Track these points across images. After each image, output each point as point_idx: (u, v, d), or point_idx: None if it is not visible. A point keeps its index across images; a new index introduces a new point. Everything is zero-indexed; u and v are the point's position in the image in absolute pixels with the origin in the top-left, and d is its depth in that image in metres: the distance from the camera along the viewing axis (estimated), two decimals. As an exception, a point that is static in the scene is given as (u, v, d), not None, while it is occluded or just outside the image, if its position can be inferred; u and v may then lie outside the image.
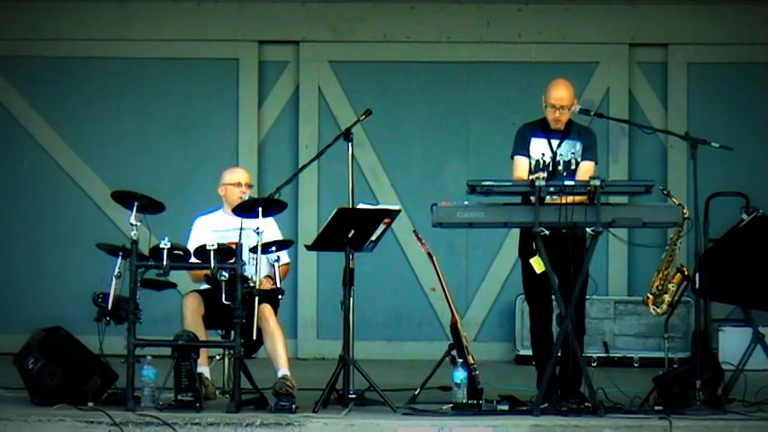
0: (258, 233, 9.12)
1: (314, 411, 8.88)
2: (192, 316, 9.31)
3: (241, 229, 9.22)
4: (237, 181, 9.86)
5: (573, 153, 9.45)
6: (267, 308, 9.22)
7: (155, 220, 9.26)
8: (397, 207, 9.68)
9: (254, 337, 9.10)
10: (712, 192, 9.74)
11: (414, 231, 9.94)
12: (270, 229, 9.55)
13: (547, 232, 9.01)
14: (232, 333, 9.06)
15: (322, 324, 13.03)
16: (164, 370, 9.02)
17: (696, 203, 9.40)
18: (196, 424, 8.54)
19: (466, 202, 9.17)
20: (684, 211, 9.30)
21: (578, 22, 13.34)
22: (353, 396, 9.20)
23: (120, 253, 9.03)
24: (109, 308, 8.93)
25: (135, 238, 9.02)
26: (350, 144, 9.85)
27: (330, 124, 13.00)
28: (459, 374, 9.12)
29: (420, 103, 13.45)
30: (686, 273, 9.55)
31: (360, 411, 8.98)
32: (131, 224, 9.08)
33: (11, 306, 12.95)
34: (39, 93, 13.46)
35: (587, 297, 9.49)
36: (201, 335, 9.25)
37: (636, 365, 12.33)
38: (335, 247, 9.43)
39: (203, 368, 9.26)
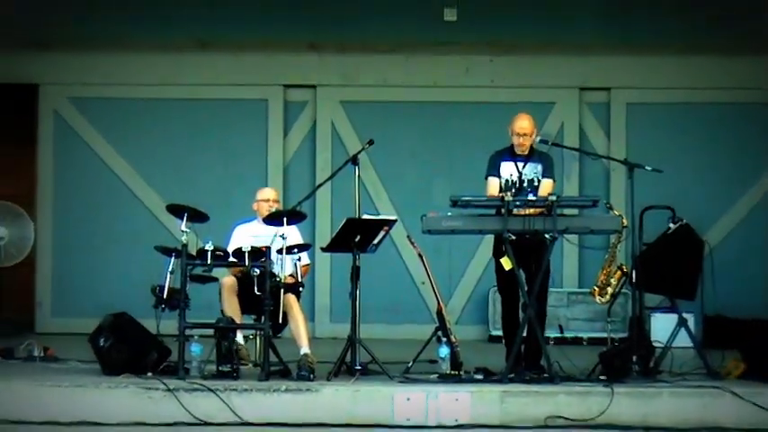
0: (283, 238, 9.12)
1: (327, 380, 8.87)
2: (228, 294, 9.31)
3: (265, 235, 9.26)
4: (266, 198, 9.90)
5: (535, 173, 9.45)
6: (292, 297, 9.21)
7: (201, 228, 9.28)
8: (394, 217, 9.67)
9: (281, 321, 9.10)
10: (646, 205, 9.70)
11: (407, 236, 9.92)
12: (293, 234, 9.54)
13: (514, 237, 9.00)
14: (263, 318, 9.06)
15: (334, 310, 13.03)
16: (208, 347, 9.01)
17: (633, 215, 9.40)
18: (233, 390, 8.51)
19: (449, 214, 9.16)
20: (623, 220, 9.29)
21: (538, 70, 13.35)
22: (359, 368, 9.17)
23: (173, 254, 9.04)
24: (164, 297, 8.93)
25: (185, 241, 9.03)
26: (356, 167, 9.85)
27: (341, 151, 12.99)
28: (444, 350, 9.11)
29: (413, 134, 13.45)
30: (625, 270, 9.53)
31: (364, 380, 8.95)
32: (182, 231, 9.09)
33: (87, 295, 12.95)
34: (109, 127, 13.51)
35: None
36: (236, 310, 9.24)
37: (585, 344, 12.31)
38: (345, 250, 9.41)
39: (239, 338, 9.25)
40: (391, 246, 12.18)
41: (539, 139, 9.55)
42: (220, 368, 8.88)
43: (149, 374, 8.89)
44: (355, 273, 9.32)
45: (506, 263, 9.13)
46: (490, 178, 9.49)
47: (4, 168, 15.26)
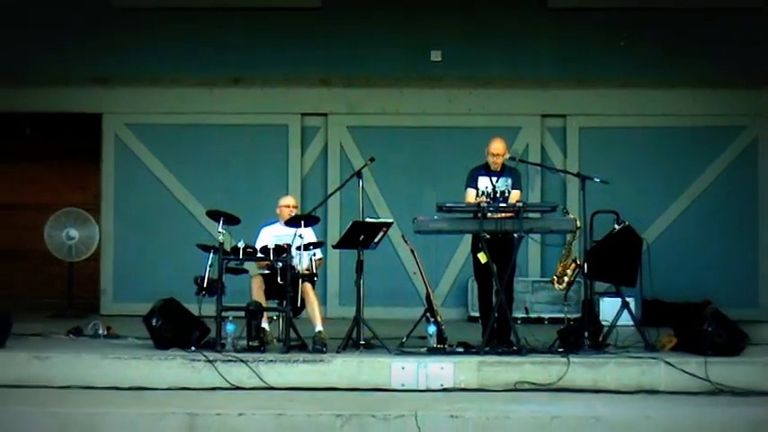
0: (301, 237, 9.11)
1: (337, 352, 8.86)
2: (257, 291, 9.31)
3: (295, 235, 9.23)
4: (287, 204, 9.90)
5: (506, 185, 9.46)
6: (308, 285, 9.22)
7: (234, 229, 9.26)
8: (391, 220, 9.66)
9: (299, 305, 9.10)
10: (595, 210, 9.69)
11: (402, 236, 9.95)
12: (309, 234, 9.53)
13: (488, 236, 9.01)
14: (284, 302, 9.04)
15: (343, 295, 12.98)
16: (240, 326, 9.00)
17: (585, 218, 9.40)
18: (261, 361, 8.53)
19: (435, 217, 9.16)
20: (577, 222, 9.29)
21: (508, 101, 13.35)
22: (363, 342, 9.16)
23: (212, 250, 9.03)
24: (204, 285, 8.93)
25: (221, 240, 9.03)
26: (360, 180, 9.85)
27: (348, 167, 12.94)
28: (431, 328, 9.09)
29: (406, 153, 13.42)
30: (578, 262, 9.53)
31: (367, 352, 8.94)
32: (219, 232, 9.10)
33: (142, 284, 12.90)
34: (160, 148, 13.47)
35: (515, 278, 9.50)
36: (263, 303, 9.22)
37: (546, 323, 12.25)
38: (351, 247, 9.40)
39: (265, 324, 9.24)
40: (389, 243, 12.15)
41: (508, 156, 9.55)
42: (250, 343, 8.88)
43: (192, 348, 8.89)
44: (359, 265, 9.30)
45: (482, 257, 9.12)
46: (469, 189, 9.49)
47: (75, 182, 15.33)
